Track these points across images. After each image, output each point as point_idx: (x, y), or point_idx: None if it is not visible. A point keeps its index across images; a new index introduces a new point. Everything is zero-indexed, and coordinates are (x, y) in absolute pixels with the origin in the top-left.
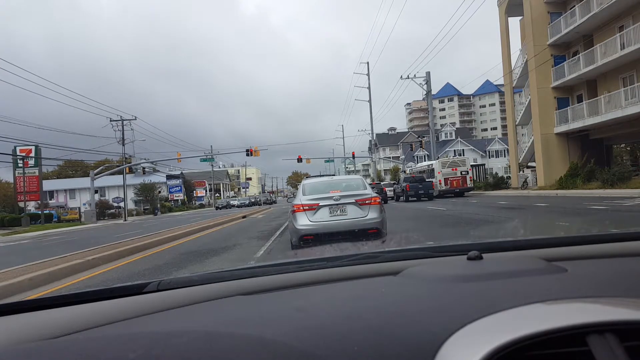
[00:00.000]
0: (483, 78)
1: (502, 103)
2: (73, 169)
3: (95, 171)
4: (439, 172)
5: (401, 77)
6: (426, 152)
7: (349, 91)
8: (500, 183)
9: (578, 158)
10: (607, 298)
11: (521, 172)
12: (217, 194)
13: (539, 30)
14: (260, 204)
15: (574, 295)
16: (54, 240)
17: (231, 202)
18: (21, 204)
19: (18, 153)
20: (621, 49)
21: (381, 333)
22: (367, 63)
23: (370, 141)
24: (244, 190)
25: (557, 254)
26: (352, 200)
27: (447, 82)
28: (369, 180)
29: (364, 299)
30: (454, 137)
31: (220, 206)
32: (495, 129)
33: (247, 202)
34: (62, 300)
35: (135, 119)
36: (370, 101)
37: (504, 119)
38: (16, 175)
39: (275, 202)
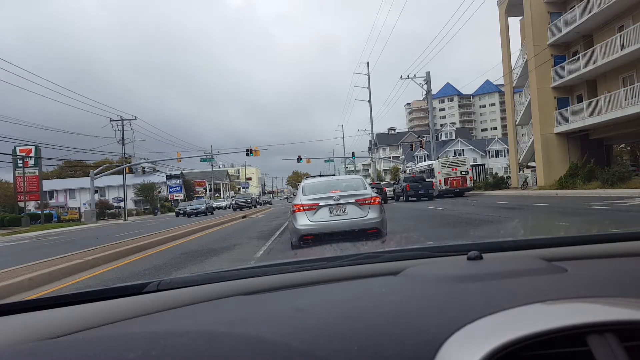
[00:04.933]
0: (483, 78)
1: (502, 103)
2: (73, 169)
3: (95, 171)
4: (438, 172)
5: (401, 77)
6: (426, 152)
7: (349, 91)
8: (500, 183)
9: (578, 158)
10: (607, 298)
11: (521, 172)
12: (217, 194)
13: (539, 30)
14: (244, 207)
15: (574, 295)
16: (54, 240)
17: (188, 207)
18: (21, 204)
19: (18, 153)
20: (621, 49)
21: (381, 333)
22: (367, 63)
23: (370, 141)
24: (244, 190)
25: (557, 254)
26: (352, 200)
27: (447, 82)
28: (369, 180)
29: (364, 299)
30: (454, 137)
31: (181, 211)
32: (495, 129)
33: (202, 207)
34: (62, 300)
35: (135, 119)
36: (370, 101)
37: (504, 119)
38: (16, 175)
39: (269, 203)
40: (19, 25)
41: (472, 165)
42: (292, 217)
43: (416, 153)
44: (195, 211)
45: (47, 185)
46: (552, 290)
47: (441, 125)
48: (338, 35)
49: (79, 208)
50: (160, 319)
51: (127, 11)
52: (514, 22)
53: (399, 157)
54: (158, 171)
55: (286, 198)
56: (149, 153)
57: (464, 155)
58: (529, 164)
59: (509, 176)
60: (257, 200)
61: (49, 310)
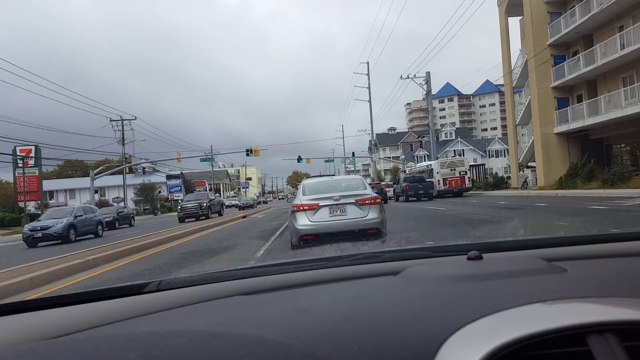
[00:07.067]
0: (483, 78)
1: (502, 103)
2: (73, 169)
3: (95, 171)
4: (437, 173)
5: (401, 77)
6: (426, 152)
7: (348, 91)
8: (500, 183)
9: (578, 158)
10: (607, 298)
11: (521, 172)
12: (217, 194)
13: (539, 30)
14: (198, 215)
15: (574, 295)
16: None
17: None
18: (21, 204)
19: (18, 153)
20: (621, 49)
21: (381, 333)
22: (367, 63)
23: (370, 141)
24: (244, 190)
25: (557, 254)
26: (352, 200)
27: (447, 82)
28: (369, 180)
29: (364, 299)
30: (454, 137)
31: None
32: (495, 129)
33: (60, 223)
34: (62, 300)
35: (135, 119)
36: (370, 101)
37: (504, 119)
38: (16, 175)
39: (250, 206)
40: (17, 24)
41: (472, 165)
42: (292, 217)
43: (416, 153)
44: (41, 232)
45: (47, 185)
46: (552, 290)
47: (441, 125)
48: (337, 35)
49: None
50: (160, 319)
51: (125, 11)
52: (514, 22)
53: (399, 157)
54: (158, 171)
55: (285, 197)
56: (149, 153)
57: (464, 155)
58: (529, 164)
59: (509, 176)
60: (249, 201)
61: (49, 310)
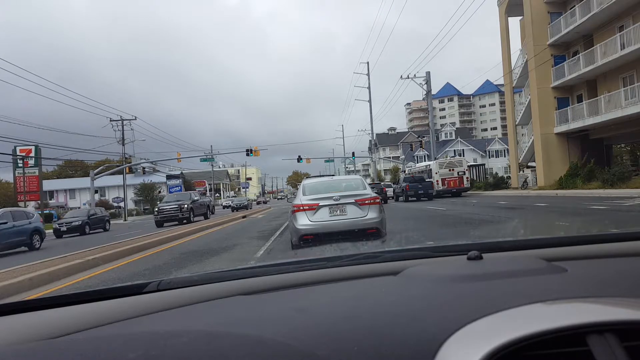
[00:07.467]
0: (483, 78)
1: (502, 103)
2: (73, 169)
3: (95, 171)
4: (436, 173)
5: (401, 77)
6: (426, 152)
7: (348, 91)
8: (500, 183)
9: (578, 158)
10: (607, 298)
11: (521, 172)
12: (217, 194)
13: (539, 30)
14: (180, 219)
15: (574, 295)
16: (53, 240)
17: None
18: (21, 204)
19: (18, 153)
20: (621, 49)
21: (381, 333)
22: (367, 63)
23: (370, 141)
24: (244, 190)
25: (557, 254)
26: (352, 200)
27: (447, 82)
28: (369, 180)
29: (364, 299)
30: (454, 137)
31: None
32: (495, 129)
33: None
34: (62, 300)
35: (135, 119)
36: (370, 101)
37: (504, 119)
38: (16, 175)
39: (244, 207)
40: (17, 24)
41: (472, 165)
42: (293, 217)
43: (416, 153)
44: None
45: (47, 185)
46: (552, 290)
47: (441, 125)
48: (337, 35)
49: (79, 208)
50: (160, 319)
51: (125, 10)
52: (514, 22)
53: (399, 157)
54: (158, 171)
55: (285, 197)
56: (149, 153)
57: (464, 155)
58: (529, 164)
59: (509, 176)
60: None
61: (49, 310)
